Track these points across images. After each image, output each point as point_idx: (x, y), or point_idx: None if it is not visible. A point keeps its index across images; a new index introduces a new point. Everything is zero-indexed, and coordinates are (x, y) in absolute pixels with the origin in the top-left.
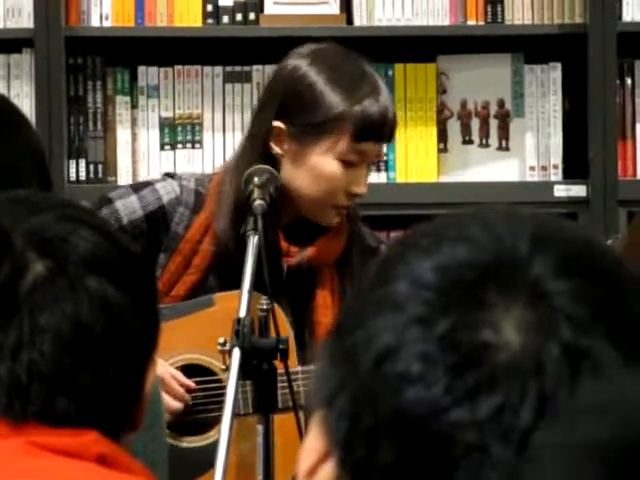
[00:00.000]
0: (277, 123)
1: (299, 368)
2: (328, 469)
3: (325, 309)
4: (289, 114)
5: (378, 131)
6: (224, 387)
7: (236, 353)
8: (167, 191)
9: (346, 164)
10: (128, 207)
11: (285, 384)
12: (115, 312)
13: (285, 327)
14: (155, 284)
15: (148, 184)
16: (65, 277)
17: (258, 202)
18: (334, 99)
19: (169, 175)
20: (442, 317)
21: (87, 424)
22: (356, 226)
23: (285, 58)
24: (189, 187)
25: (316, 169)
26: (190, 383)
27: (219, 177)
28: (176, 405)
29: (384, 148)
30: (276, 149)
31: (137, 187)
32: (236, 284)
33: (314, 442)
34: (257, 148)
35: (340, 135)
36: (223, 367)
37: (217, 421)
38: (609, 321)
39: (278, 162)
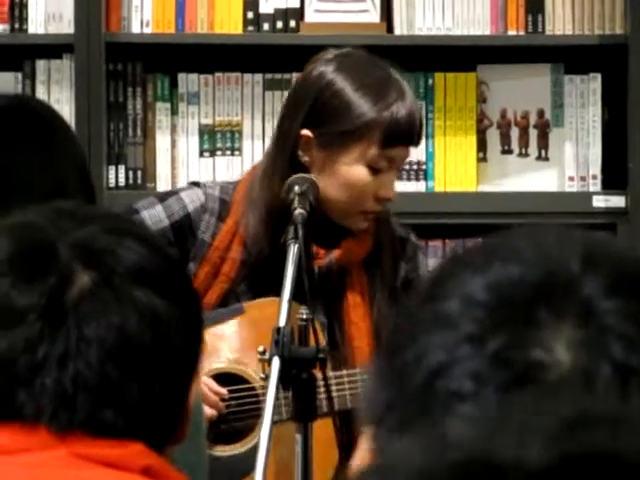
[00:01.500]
0: (305, 132)
1: (344, 372)
2: None
3: (356, 309)
4: (317, 122)
5: (406, 135)
6: (257, 395)
7: (275, 362)
8: (192, 200)
9: (374, 170)
10: (154, 217)
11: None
12: (162, 324)
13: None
14: (198, 296)
15: (173, 193)
16: (111, 288)
17: (299, 211)
18: (363, 106)
19: (194, 184)
20: (493, 335)
21: (133, 436)
22: (384, 220)
23: (309, 63)
24: (214, 195)
25: (345, 176)
26: (223, 391)
27: (245, 184)
28: (210, 413)
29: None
30: (304, 157)
31: (162, 197)
32: (266, 291)
33: (365, 458)
34: (285, 156)
35: (369, 142)
36: (261, 375)
37: (250, 429)
38: None
39: (306, 169)
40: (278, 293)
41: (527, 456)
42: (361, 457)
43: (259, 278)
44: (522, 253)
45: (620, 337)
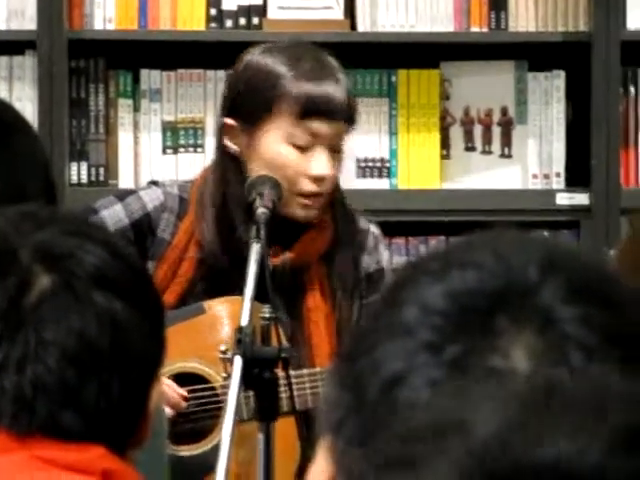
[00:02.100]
0: (228, 120)
1: (305, 371)
2: None
3: (315, 307)
4: (238, 107)
5: (324, 108)
6: (217, 395)
7: (238, 361)
8: (151, 198)
9: (299, 148)
10: (113, 216)
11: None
12: (121, 327)
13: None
14: (160, 299)
15: (132, 192)
16: (71, 292)
17: (261, 210)
18: (278, 77)
19: (153, 183)
20: (451, 343)
21: (93, 439)
22: (342, 214)
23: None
24: (173, 193)
25: (271, 157)
26: (183, 392)
27: (198, 182)
28: (170, 413)
29: (344, 131)
30: (232, 147)
31: (121, 196)
32: (223, 291)
33: (321, 468)
34: (219, 151)
35: (286, 116)
36: (223, 375)
37: (210, 430)
38: (620, 347)
39: (238, 160)
40: (235, 293)
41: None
42: (317, 469)
43: (214, 278)
44: (480, 260)
45: (579, 345)
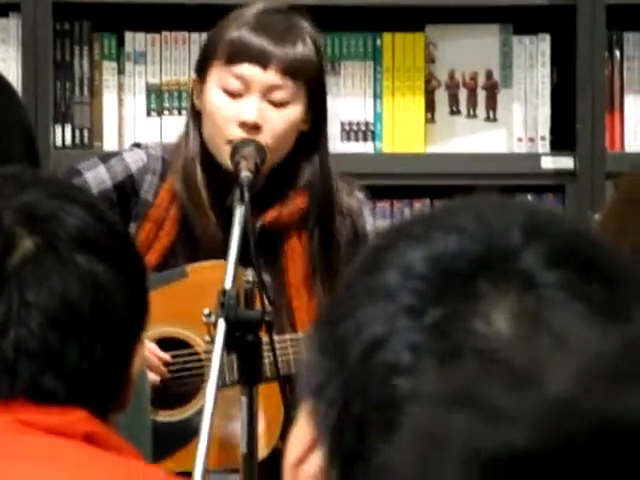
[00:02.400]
0: (193, 76)
1: (287, 336)
2: (317, 458)
3: (294, 270)
4: (197, 62)
5: (253, 54)
6: (201, 359)
7: (221, 325)
8: (134, 160)
9: (230, 94)
10: (97, 178)
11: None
12: (103, 290)
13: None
14: (143, 263)
15: (116, 154)
16: (54, 254)
17: (244, 173)
18: (223, 28)
19: (136, 145)
20: (432, 307)
21: (75, 402)
22: (323, 179)
23: None
24: (156, 155)
25: (207, 104)
26: (166, 356)
27: (178, 143)
28: (153, 378)
29: (287, 86)
30: (197, 103)
31: (105, 158)
32: (200, 252)
33: (303, 432)
34: (190, 112)
35: (218, 60)
36: (207, 339)
37: (194, 394)
38: (601, 311)
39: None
40: (213, 254)
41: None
42: (299, 432)
43: (194, 239)
44: (462, 224)
45: (559, 309)
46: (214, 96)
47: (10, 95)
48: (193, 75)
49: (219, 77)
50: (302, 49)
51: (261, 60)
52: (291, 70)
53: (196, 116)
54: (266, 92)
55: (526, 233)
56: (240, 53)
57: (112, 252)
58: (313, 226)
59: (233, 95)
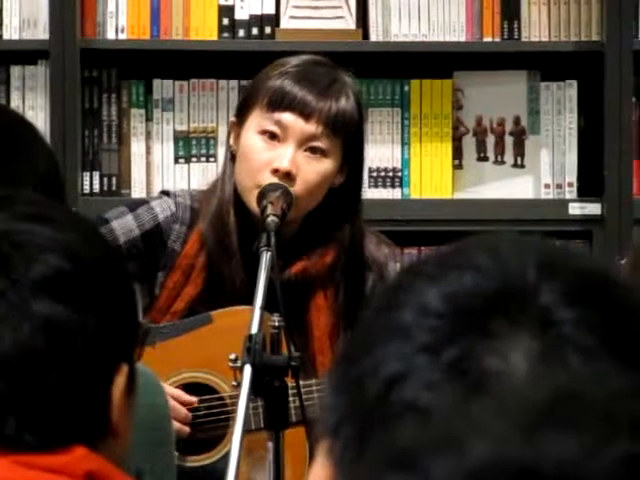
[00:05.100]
0: (232, 119)
1: (314, 380)
2: None
3: (319, 324)
4: (237, 106)
5: (295, 103)
6: (226, 405)
7: (247, 370)
8: (163, 209)
9: (267, 138)
10: (124, 227)
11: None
12: (60, 331)
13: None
14: (125, 291)
15: (144, 203)
16: (8, 299)
17: (271, 218)
18: (266, 77)
19: (165, 193)
20: (449, 345)
21: (52, 445)
22: (354, 241)
23: None
24: (185, 204)
25: (243, 147)
26: (192, 399)
27: (210, 187)
28: (178, 427)
29: (326, 138)
30: (234, 147)
31: (133, 206)
32: (226, 299)
33: (321, 471)
34: (227, 154)
35: (259, 106)
36: (233, 384)
37: (219, 440)
38: (618, 349)
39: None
40: (239, 301)
41: None
42: (316, 472)
43: (220, 287)
44: (477, 262)
45: (577, 347)
46: (251, 139)
47: (25, 136)
48: (232, 118)
49: (258, 122)
50: (344, 105)
51: (303, 111)
52: (332, 125)
53: (232, 160)
54: (303, 142)
55: (542, 270)
56: (283, 101)
57: (78, 291)
58: (340, 281)
59: (270, 140)
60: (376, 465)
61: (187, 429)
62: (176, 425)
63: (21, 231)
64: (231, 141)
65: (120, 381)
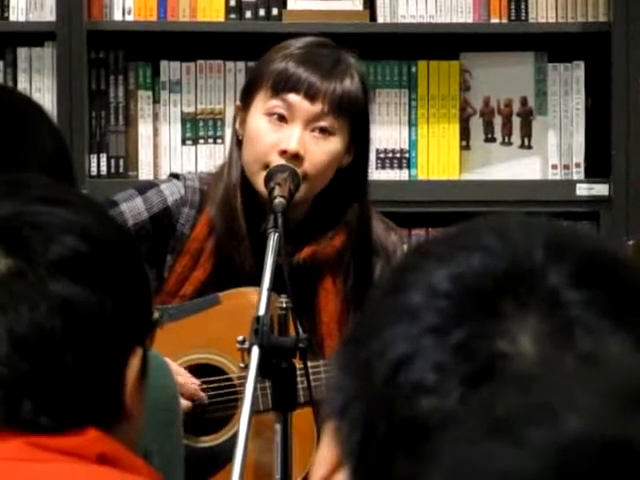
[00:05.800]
0: (237, 103)
1: (321, 361)
2: (341, 478)
3: (327, 309)
4: (242, 90)
5: (300, 85)
6: (234, 386)
7: (255, 351)
8: (172, 192)
9: (274, 119)
10: (133, 209)
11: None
12: (77, 312)
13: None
14: (140, 274)
15: (153, 185)
16: (26, 278)
17: (278, 200)
18: (271, 60)
19: (174, 176)
20: (457, 326)
21: (66, 426)
22: (362, 224)
23: None
24: (194, 187)
25: (249, 130)
26: (196, 382)
27: (218, 171)
28: (185, 404)
29: (332, 118)
30: (240, 131)
31: (142, 189)
32: (231, 278)
33: (327, 451)
34: (233, 139)
35: (265, 88)
36: (241, 365)
37: (228, 420)
38: (627, 330)
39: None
40: (248, 283)
41: None
42: (323, 452)
43: (229, 270)
44: (485, 243)
45: (586, 328)
46: (257, 122)
47: (30, 116)
48: (237, 102)
49: (264, 104)
50: (349, 85)
51: (309, 92)
52: (337, 105)
53: (238, 144)
54: (310, 123)
55: (550, 251)
56: (288, 83)
57: (95, 272)
58: (348, 265)
59: (277, 121)
60: (472, 434)
61: (190, 404)
62: (184, 403)
63: (38, 213)
64: (237, 125)
65: (134, 364)
